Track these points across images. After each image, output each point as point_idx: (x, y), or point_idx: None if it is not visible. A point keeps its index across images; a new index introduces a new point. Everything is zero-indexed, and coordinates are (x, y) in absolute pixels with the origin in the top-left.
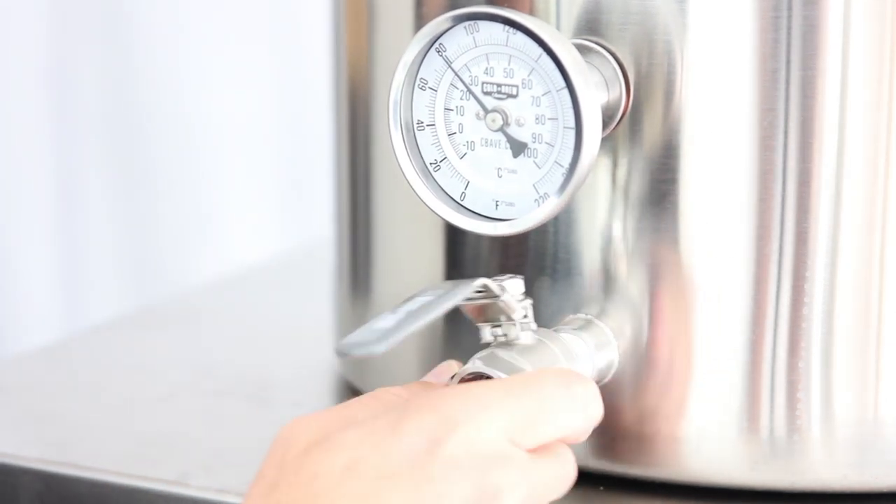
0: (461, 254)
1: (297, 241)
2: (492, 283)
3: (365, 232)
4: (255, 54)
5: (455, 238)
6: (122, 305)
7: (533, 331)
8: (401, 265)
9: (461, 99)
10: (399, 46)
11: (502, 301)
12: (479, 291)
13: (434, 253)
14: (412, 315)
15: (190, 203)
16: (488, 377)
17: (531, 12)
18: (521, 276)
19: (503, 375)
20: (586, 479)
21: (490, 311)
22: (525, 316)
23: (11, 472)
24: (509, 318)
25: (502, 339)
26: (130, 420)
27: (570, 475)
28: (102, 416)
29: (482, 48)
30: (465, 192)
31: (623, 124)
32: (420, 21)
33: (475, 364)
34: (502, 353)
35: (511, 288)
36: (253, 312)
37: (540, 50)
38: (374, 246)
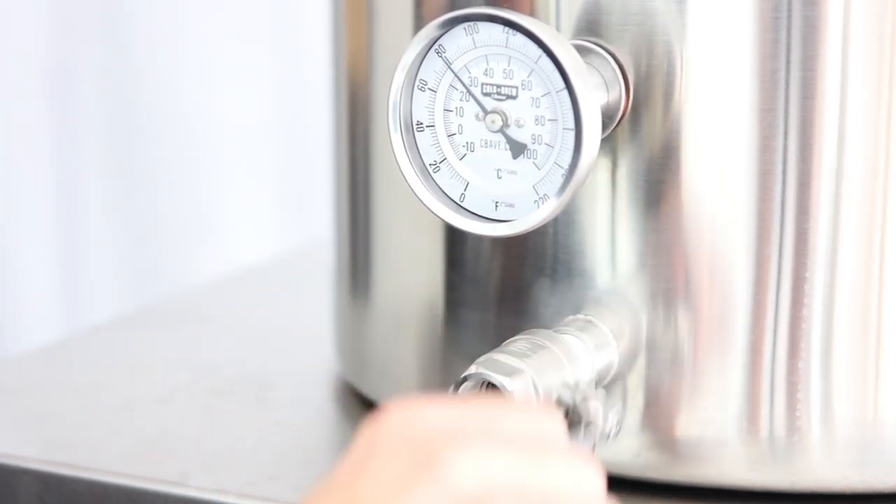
0: (461, 254)
1: (297, 241)
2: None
3: (364, 232)
4: (255, 54)
5: (455, 239)
6: (122, 305)
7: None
8: (400, 265)
9: (461, 100)
10: (399, 47)
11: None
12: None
13: (434, 253)
14: None
15: (190, 203)
16: (490, 383)
17: (531, 13)
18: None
19: (504, 379)
20: None
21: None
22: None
23: (11, 472)
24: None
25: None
26: (130, 420)
27: None
28: (102, 416)
29: (482, 49)
30: (465, 193)
31: (623, 125)
32: (420, 22)
33: (477, 369)
34: (500, 357)
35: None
36: (253, 312)
37: (539, 51)
38: (373, 246)
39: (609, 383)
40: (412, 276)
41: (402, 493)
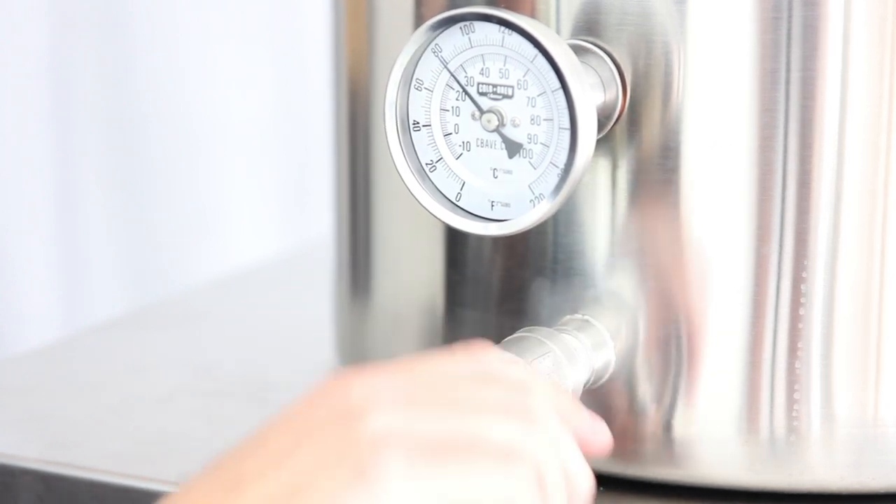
0: (460, 254)
1: (297, 241)
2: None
3: (364, 232)
4: (255, 54)
5: (454, 238)
6: (122, 305)
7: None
8: (400, 265)
9: (457, 99)
10: (398, 46)
11: None
12: None
13: (433, 253)
14: None
15: (190, 203)
16: None
17: (530, 13)
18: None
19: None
20: None
21: None
22: None
23: (11, 472)
24: None
25: None
26: (130, 420)
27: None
28: (102, 416)
29: (478, 49)
30: (461, 192)
31: (620, 125)
32: (419, 21)
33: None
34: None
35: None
36: (253, 312)
37: (535, 51)
38: (373, 246)
39: (606, 382)
40: (412, 275)
41: (302, 424)
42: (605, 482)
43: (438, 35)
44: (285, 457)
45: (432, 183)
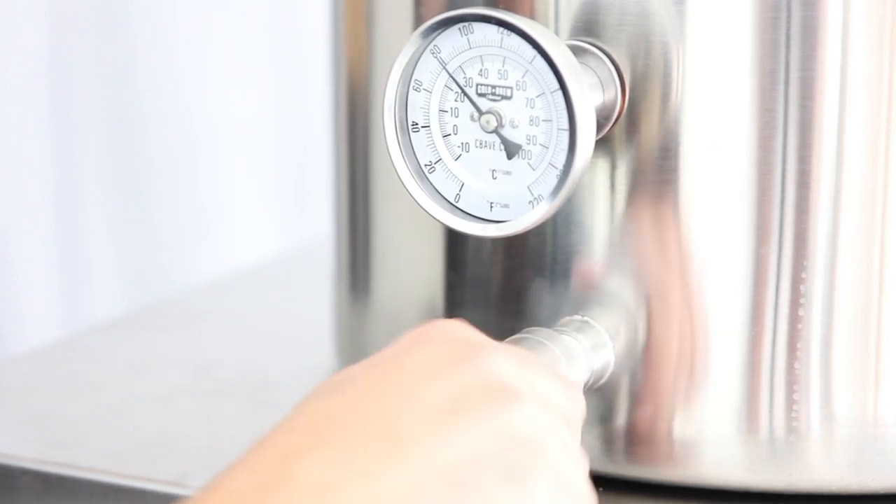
0: (460, 255)
1: (297, 241)
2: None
3: (364, 232)
4: (255, 54)
5: (454, 239)
6: (122, 305)
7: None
8: (399, 266)
9: (455, 100)
10: (397, 47)
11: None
12: None
13: (433, 254)
14: None
15: (190, 203)
16: None
17: (529, 14)
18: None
19: None
20: None
21: None
22: None
23: (11, 472)
24: None
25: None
26: (130, 420)
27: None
28: (102, 416)
29: (476, 50)
30: (460, 193)
31: (619, 126)
32: (419, 22)
33: None
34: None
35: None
36: (253, 312)
37: (534, 52)
38: (373, 246)
39: (606, 383)
40: (412, 275)
41: (441, 370)
42: (605, 482)
43: (437, 36)
44: (443, 427)
45: (431, 184)
